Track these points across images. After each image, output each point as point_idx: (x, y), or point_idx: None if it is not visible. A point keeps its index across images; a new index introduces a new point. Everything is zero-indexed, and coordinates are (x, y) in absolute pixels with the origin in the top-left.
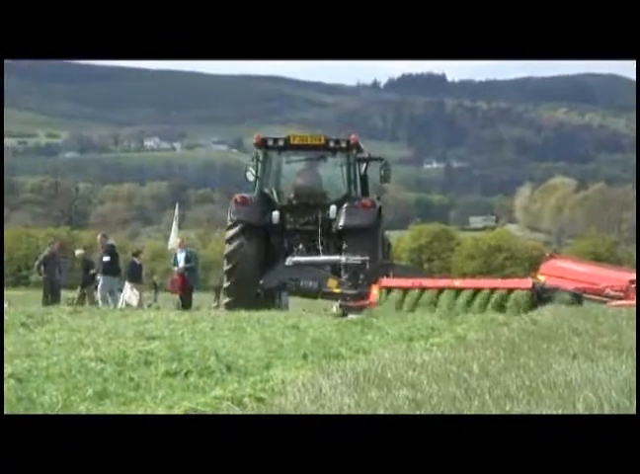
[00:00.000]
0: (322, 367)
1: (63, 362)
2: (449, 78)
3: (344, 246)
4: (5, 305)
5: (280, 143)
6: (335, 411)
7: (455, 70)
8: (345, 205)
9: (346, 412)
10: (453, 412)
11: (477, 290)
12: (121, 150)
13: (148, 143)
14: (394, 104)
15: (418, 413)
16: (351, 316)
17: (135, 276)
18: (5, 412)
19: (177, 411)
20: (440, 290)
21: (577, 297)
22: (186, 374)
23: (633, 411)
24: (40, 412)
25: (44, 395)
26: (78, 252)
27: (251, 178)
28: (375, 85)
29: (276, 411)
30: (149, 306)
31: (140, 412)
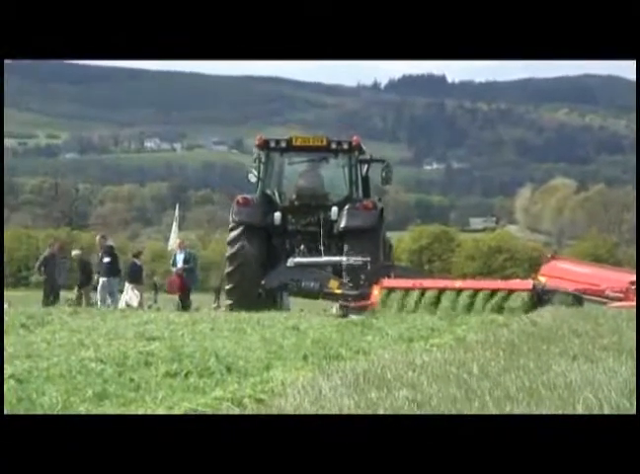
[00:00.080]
0: (322, 368)
1: (63, 363)
2: (450, 79)
3: (345, 247)
4: (5, 306)
5: (283, 145)
6: (335, 412)
7: (456, 71)
8: (346, 207)
9: (346, 413)
10: (453, 413)
11: (478, 291)
12: (122, 151)
13: (148, 144)
14: (394, 105)
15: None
16: (352, 317)
17: (136, 276)
18: (5, 413)
19: (177, 412)
20: (441, 291)
21: (577, 298)
22: (186, 375)
23: (633, 412)
24: (39, 413)
25: (44, 396)
26: (75, 252)
27: (253, 179)
28: (376, 86)
29: (275, 412)
30: (149, 307)
31: (140, 413)
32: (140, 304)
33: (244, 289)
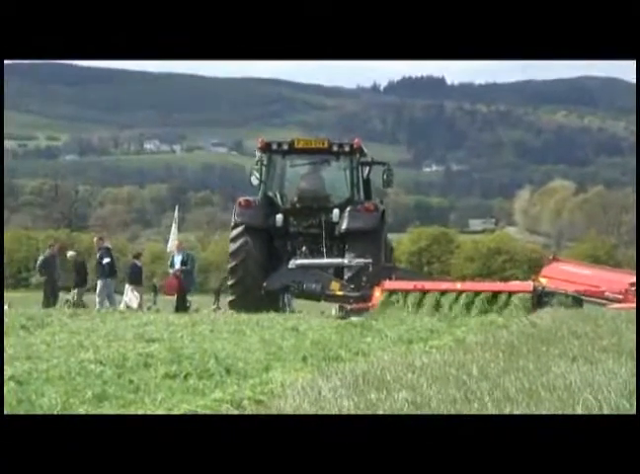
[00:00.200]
0: (321, 370)
1: (63, 365)
2: (449, 81)
3: (347, 249)
4: (5, 307)
5: (285, 147)
6: (334, 413)
7: (455, 73)
8: (348, 209)
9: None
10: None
11: (478, 293)
12: (121, 153)
13: (148, 146)
14: (394, 106)
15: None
16: (353, 318)
17: (136, 278)
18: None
19: (176, 413)
20: (442, 293)
21: (577, 300)
22: (185, 377)
23: (633, 413)
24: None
25: (44, 397)
26: (70, 254)
27: (255, 181)
28: (375, 88)
29: (275, 413)
30: (149, 309)
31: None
32: (140, 306)
33: (247, 285)
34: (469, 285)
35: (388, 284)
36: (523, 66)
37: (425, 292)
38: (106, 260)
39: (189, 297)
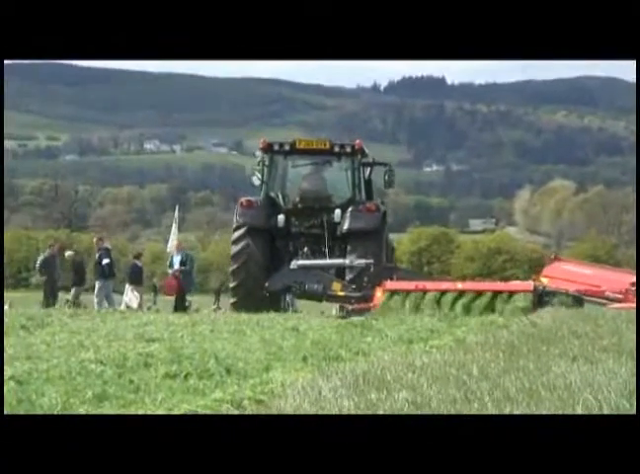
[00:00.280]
0: (322, 370)
1: (63, 365)
2: (449, 81)
3: (348, 249)
4: (5, 307)
5: (286, 148)
6: (334, 413)
7: (455, 73)
8: (349, 209)
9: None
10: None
11: (480, 293)
12: (121, 153)
13: (148, 146)
14: (394, 106)
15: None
16: (353, 318)
17: (137, 278)
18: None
19: (176, 413)
20: (443, 293)
21: (577, 300)
22: (185, 377)
23: (633, 413)
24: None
25: (44, 397)
26: (68, 253)
27: (257, 182)
28: (375, 88)
29: (275, 413)
30: (149, 309)
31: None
32: (140, 306)
33: (248, 287)
34: (470, 285)
35: (389, 285)
36: (523, 66)
37: (426, 292)
38: (105, 261)
39: (189, 297)
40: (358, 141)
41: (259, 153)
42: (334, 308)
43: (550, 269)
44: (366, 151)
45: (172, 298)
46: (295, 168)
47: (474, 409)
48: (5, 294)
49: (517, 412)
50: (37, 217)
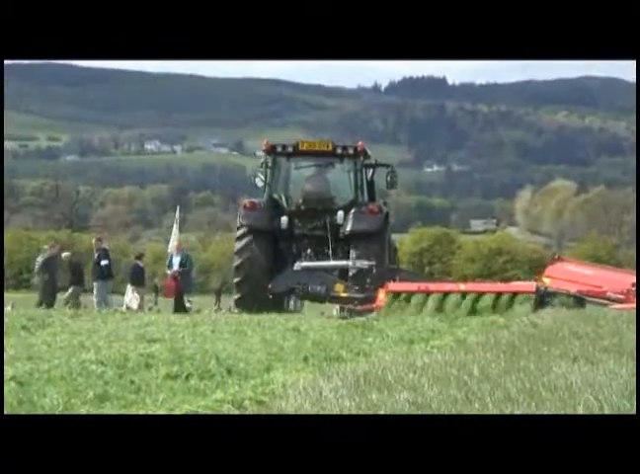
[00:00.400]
0: (323, 370)
1: (64, 365)
2: (450, 81)
3: (351, 250)
4: (7, 308)
5: (289, 149)
6: (335, 413)
7: (456, 73)
8: (352, 211)
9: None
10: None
11: (482, 294)
12: (122, 153)
13: (149, 146)
14: (395, 107)
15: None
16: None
17: (138, 278)
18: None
19: (177, 414)
20: (446, 294)
21: (579, 300)
22: (186, 377)
23: (633, 413)
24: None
25: (45, 398)
26: (65, 254)
27: (260, 184)
28: (376, 88)
29: (276, 413)
30: (150, 309)
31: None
32: (140, 307)
33: (252, 283)
34: (473, 286)
35: (392, 286)
36: (524, 66)
37: (429, 294)
38: (104, 262)
39: (190, 298)
40: (360, 143)
41: (261, 153)
42: (334, 309)
43: (552, 269)
44: (369, 153)
45: (171, 299)
46: (298, 170)
47: (475, 409)
48: (6, 295)
49: (517, 412)
50: (37, 218)
